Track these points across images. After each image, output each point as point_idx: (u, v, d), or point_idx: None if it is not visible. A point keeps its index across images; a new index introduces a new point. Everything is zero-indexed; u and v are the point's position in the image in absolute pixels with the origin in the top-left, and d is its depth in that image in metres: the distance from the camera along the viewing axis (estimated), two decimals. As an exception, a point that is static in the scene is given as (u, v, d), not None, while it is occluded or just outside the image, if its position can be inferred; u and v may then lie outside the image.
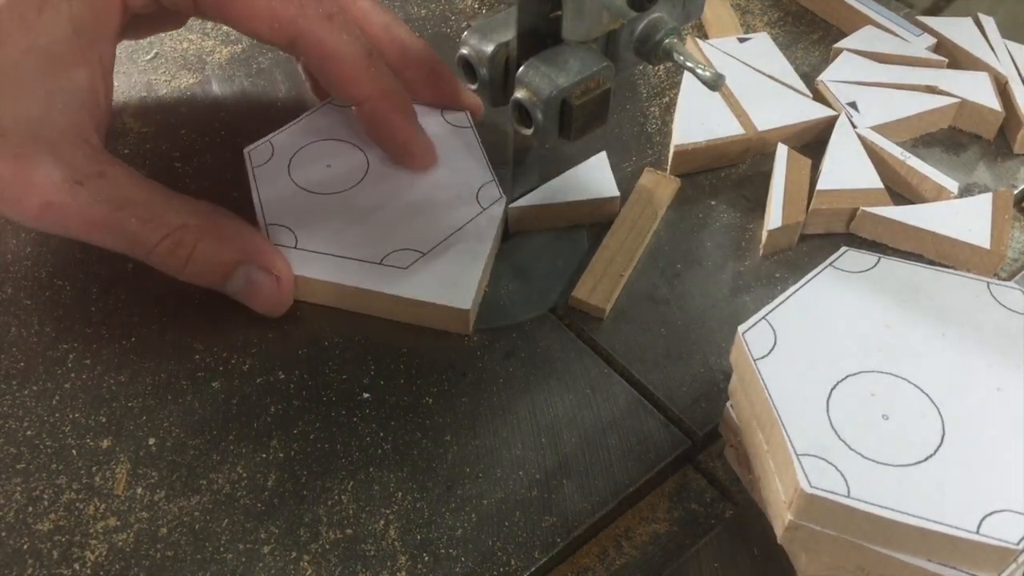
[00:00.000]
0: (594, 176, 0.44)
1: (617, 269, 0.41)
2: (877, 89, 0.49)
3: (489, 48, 0.37)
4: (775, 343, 0.32)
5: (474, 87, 0.39)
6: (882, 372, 0.31)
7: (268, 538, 0.33)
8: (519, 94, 0.36)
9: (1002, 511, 0.28)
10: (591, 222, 0.44)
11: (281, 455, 0.35)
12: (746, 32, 0.54)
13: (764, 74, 0.50)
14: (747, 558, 0.33)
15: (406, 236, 0.40)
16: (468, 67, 0.39)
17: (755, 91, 0.48)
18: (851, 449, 0.29)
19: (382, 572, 0.32)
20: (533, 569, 0.32)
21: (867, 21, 0.53)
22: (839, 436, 0.30)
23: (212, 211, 0.38)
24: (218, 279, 0.38)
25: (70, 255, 0.42)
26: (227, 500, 0.34)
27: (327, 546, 0.33)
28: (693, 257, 0.43)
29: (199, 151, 0.47)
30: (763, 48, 0.51)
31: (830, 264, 0.35)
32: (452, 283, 0.39)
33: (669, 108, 0.49)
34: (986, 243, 0.41)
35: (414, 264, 0.39)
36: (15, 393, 0.37)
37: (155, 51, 0.53)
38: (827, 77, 0.49)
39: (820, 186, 0.43)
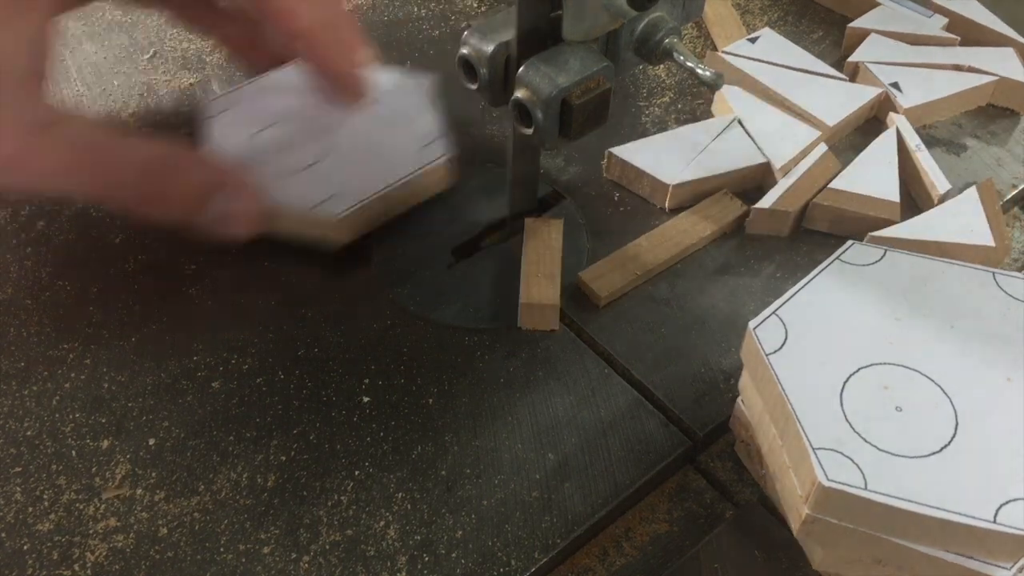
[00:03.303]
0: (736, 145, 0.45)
1: (635, 268, 0.41)
2: (914, 69, 0.48)
3: (489, 48, 0.37)
4: (786, 338, 0.32)
5: (474, 87, 0.39)
6: (893, 364, 0.31)
7: (268, 539, 0.33)
8: (519, 94, 0.36)
9: (1017, 500, 0.28)
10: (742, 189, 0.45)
11: (281, 456, 0.35)
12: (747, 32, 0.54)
13: (796, 69, 0.49)
14: (747, 558, 0.33)
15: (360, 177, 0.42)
16: (468, 67, 0.38)
17: (801, 88, 0.47)
18: (866, 442, 0.29)
19: (382, 572, 0.32)
20: (533, 569, 0.32)
21: (877, 6, 0.53)
22: (854, 429, 0.30)
23: (175, 144, 0.38)
24: (194, 207, 0.38)
25: (70, 255, 0.42)
26: (227, 501, 0.34)
27: (327, 547, 0.33)
28: (693, 257, 0.43)
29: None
30: (775, 43, 0.51)
31: (837, 258, 0.35)
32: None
33: (669, 108, 0.49)
34: (990, 240, 0.41)
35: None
36: (15, 393, 0.37)
37: (154, 50, 0.53)
38: (860, 58, 0.49)
39: (833, 184, 0.43)
